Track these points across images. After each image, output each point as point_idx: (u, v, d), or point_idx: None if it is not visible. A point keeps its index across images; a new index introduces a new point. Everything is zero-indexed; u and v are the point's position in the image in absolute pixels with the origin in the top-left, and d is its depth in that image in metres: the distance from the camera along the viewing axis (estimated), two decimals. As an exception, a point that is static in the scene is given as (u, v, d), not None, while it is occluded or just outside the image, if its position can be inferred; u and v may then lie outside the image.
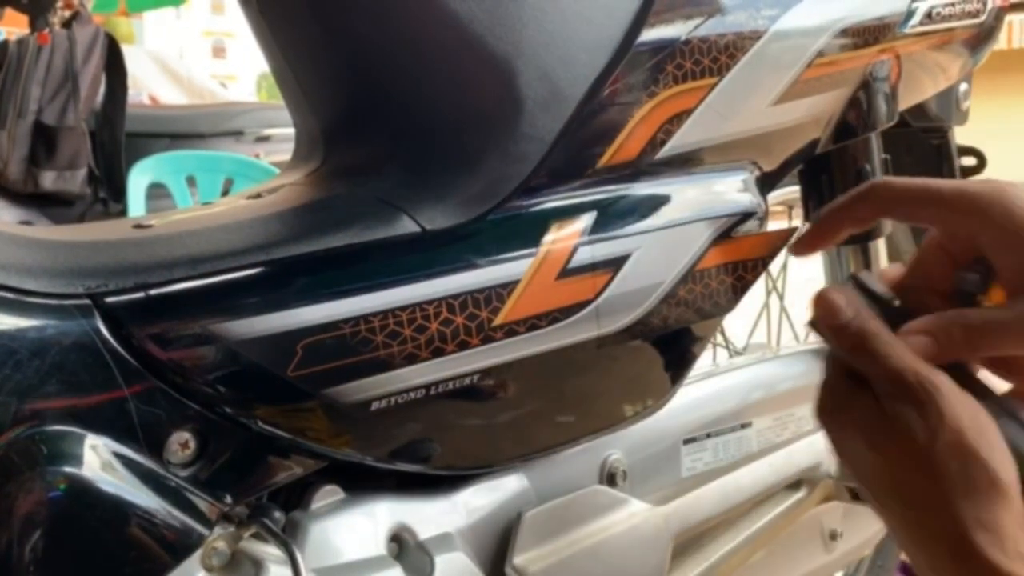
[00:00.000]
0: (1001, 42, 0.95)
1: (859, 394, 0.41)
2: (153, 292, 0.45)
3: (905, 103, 0.79)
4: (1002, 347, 0.43)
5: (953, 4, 0.75)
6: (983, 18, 0.80)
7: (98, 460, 0.42)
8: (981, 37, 0.82)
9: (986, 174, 1.07)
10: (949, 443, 0.38)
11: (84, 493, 0.41)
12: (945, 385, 0.39)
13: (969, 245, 0.45)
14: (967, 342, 0.43)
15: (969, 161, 1.04)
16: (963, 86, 0.96)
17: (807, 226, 0.57)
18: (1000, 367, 0.46)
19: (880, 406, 0.40)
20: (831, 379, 0.43)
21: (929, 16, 0.73)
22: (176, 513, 0.44)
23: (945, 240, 0.46)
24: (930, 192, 0.45)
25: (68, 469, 0.41)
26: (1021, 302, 0.42)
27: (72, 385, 0.42)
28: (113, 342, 0.43)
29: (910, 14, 0.72)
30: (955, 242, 0.46)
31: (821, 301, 0.43)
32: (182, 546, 0.44)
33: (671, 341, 0.63)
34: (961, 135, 1.04)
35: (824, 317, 0.43)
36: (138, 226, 0.51)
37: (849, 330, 0.42)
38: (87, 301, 0.43)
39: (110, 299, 0.43)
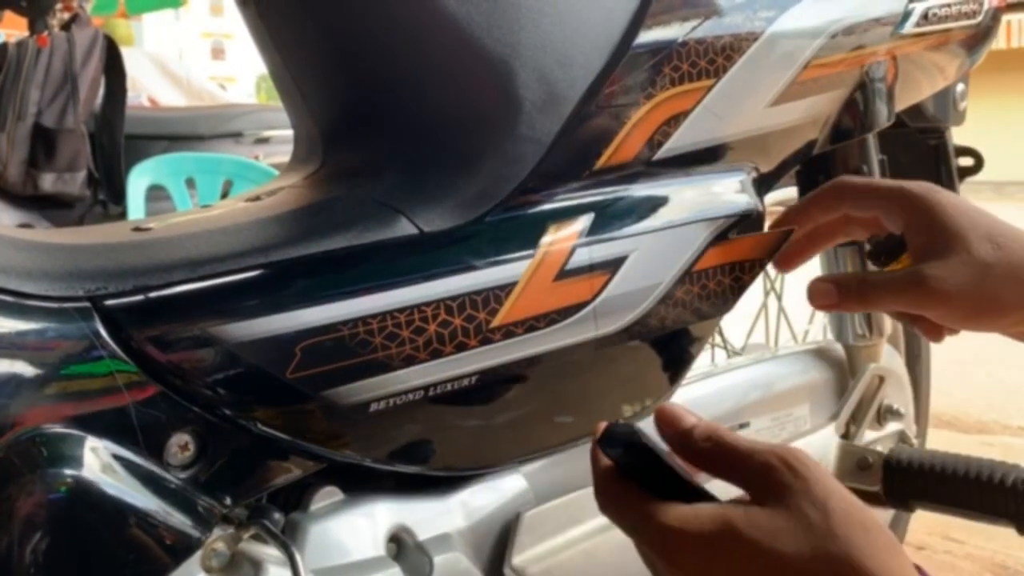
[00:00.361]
0: (999, 41, 0.95)
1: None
2: (152, 295, 0.45)
3: (902, 104, 0.79)
4: (885, 303, 0.56)
5: (950, 5, 0.76)
6: (980, 19, 0.80)
7: (98, 462, 0.42)
8: (978, 37, 0.83)
9: (984, 174, 1.07)
10: None
11: (84, 495, 0.41)
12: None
13: (878, 225, 0.60)
14: (860, 294, 0.56)
15: (966, 161, 1.04)
16: (960, 86, 0.97)
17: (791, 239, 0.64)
18: (916, 324, 0.59)
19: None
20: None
21: (926, 17, 0.74)
22: (176, 515, 0.44)
23: (869, 219, 0.60)
24: (876, 186, 0.59)
25: (68, 471, 0.41)
26: (912, 270, 0.54)
27: (72, 388, 0.42)
28: (113, 345, 0.43)
29: (907, 15, 0.72)
30: (874, 224, 0.60)
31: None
32: (182, 547, 0.44)
33: (669, 341, 0.63)
34: (959, 135, 1.04)
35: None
36: (137, 229, 0.51)
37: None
38: (87, 304, 0.43)
39: (110, 302, 0.44)
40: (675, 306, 0.61)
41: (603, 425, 0.44)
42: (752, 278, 0.65)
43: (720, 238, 0.63)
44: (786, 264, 0.65)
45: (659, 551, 0.40)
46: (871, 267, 0.64)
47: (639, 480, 0.42)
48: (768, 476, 0.39)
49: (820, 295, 0.59)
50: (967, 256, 0.52)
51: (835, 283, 0.58)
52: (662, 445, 0.43)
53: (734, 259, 0.64)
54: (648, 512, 0.40)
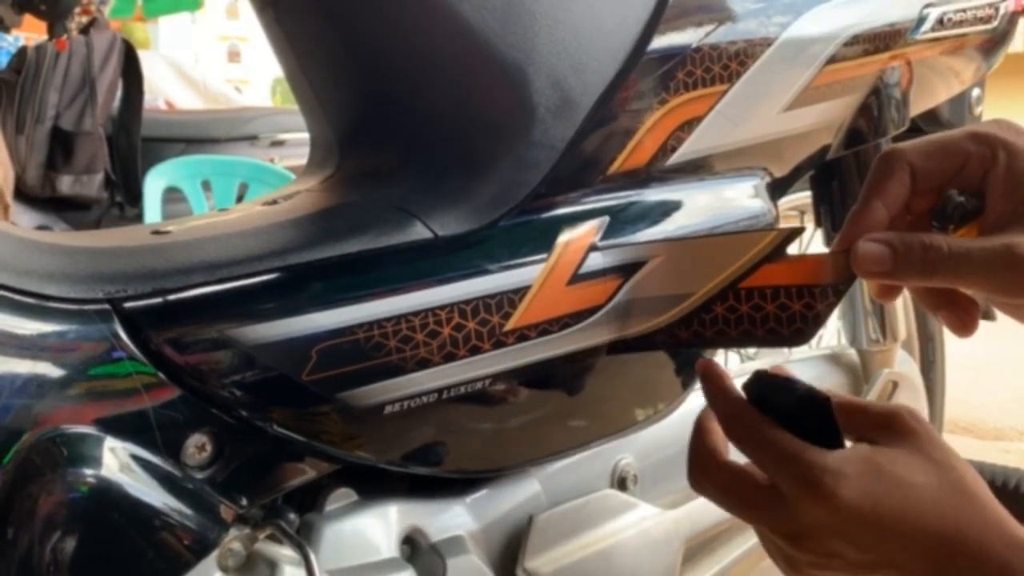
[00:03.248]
0: (1016, 45, 0.94)
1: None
2: (171, 297, 0.45)
3: (917, 108, 0.79)
4: (957, 278, 0.44)
5: (965, 10, 0.75)
6: (996, 23, 0.80)
7: (117, 462, 0.43)
8: (994, 42, 0.82)
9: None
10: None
11: (103, 495, 0.42)
12: None
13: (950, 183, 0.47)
14: (925, 263, 0.43)
15: (982, 166, 1.03)
16: (976, 91, 0.96)
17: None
18: (930, 298, 0.48)
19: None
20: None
21: (941, 22, 0.73)
22: (193, 515, 0.45)
23: (940, 177, 0.47)
24: (941, 141, 0.47)
25: (88, 471, 0.42)
26: (992, 240, 0.43)
27: (92, 389, 0.43)
28: (132, 346, 0.44)
29: (921, 20, 0.72)
30: (956, 178, 0.47)
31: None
32: (199, 547, 0.45)
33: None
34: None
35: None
36: (156, 232, 0.52)
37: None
38: (107, 306, 0.44)
39: (129, 304, 0.44)
40: (716, 323, 0.55)
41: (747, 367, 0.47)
42: (827, 306, 0.52)
43: (775, 254, 0.53)
44: (886, 294, 0.52)
45: (810, 488, 0.42)
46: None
47: (782, 421, 0.46)
48: (894, 421, 0.45)
49: (870, 260, 0.44)
50: None
51: (891, 245, 0.44)
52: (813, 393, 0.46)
53: (797, 281, 0.53)
54: (795, 450, 0.43)
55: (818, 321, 0.53)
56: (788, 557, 0.46)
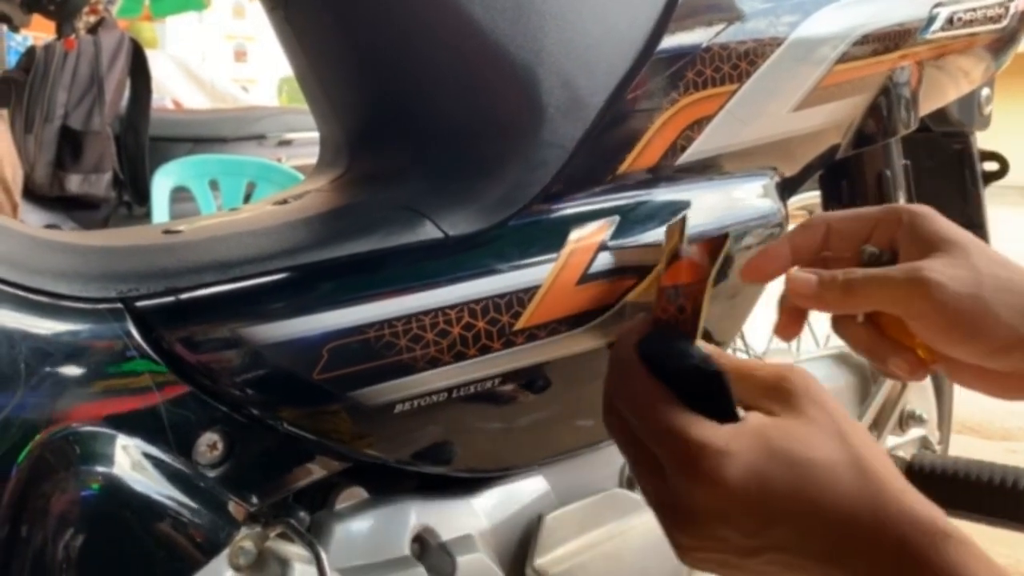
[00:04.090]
0: (1025, 45, 0.94)
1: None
2: (183, 296, 0.46)
3: (926, 108, 0.79)
4: (871, 300, 0.50)
5: (975, 10, 0.75)
6: (1006, 23, 0.80)
7: (129, 460, 0.43)
8: (1004, 41, 0.82)
9: (1009, 179, 1.06)
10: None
11: (116, 492, 0.42)
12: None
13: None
14: (844, 286, 0.50)
15: (991, 166, 1.03)
16: (985, 90, 0.96)
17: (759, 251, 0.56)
18: (877, 349, 0.53)
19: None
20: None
21: (950, 22, 0.73)
22: (205, 513, 0.45)
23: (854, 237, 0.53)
24: (858, 212, 0.54)
25: (100, 469, 0.42)
26: (909, 266, 0.49)
27: (104, 387, 0.43)
28: (144, 345, 0.44)
29: (931, 20, 0.72)
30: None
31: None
32: (210, 545, 0.45)
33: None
34: (983, 139, 1.03)
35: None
36: (168, 232, 0.52)
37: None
38: (119, 305, 0.44)
39: (141, 303, 0.44)
40: (718, 319, 0.58)
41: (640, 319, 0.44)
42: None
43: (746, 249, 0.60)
44: (751, 274, 0.56)
45: (690, 468, 0.40)
46: None
47: (672, 386, 0.42)
48: (783, 385, 0.42)
49: (798, 287, 0.51)
50: (965, 261, 0.48)
51: (817, 274, 0.51)
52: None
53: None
54: (679, 424, 0.40)
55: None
56: (671, 536, 0.43)
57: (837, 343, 1.09)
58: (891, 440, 0.88)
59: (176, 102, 3.49)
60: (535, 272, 0.54)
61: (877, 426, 0.87)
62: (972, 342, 0.48)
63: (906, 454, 0.85)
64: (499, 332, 0.52)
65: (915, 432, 0.90)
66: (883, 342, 0.52)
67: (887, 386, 0.87)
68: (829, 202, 0.86)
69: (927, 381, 0.95)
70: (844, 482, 0.39)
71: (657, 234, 0.59)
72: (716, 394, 0.41)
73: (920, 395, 0.92)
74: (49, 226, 2.46)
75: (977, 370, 0.49)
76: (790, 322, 0.54)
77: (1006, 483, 0.76)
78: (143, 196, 2.55)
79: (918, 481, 0.81)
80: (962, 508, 0.80)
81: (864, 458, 0.40)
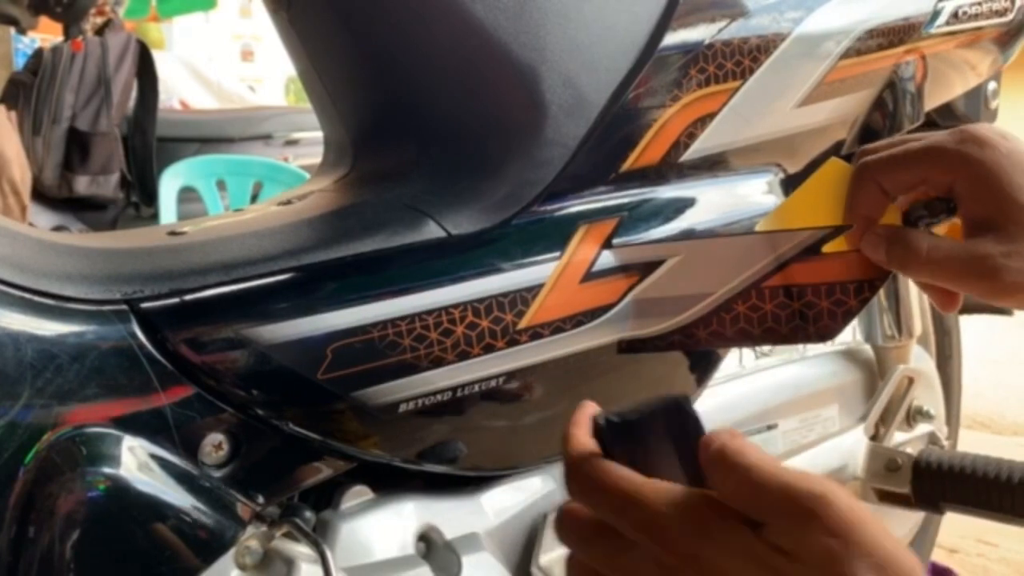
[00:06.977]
0: (1032, 38, 0.93)
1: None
2: (188, 298, 0.46)
3: (932, 103, 0.78)
4: (937, 276, 0.47)
5: (980, 3, 0.75)
6: (1012, 16, 0.79)
7: (135, 461, 0.43)
8: (1011, 34, 0.82)
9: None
10: None
11: (122, 493, 0.43)
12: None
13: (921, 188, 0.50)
14: (903, 262, 0.48)
15: (999, 160, 1.02)
16: (992, 84, 0.95)
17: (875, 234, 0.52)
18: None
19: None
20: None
21: (956, 16, 0.73)
22: (210, 513, 0.45)
23: (909, 184, 0.50)
24: (905, 155, 0.50)
25: (107, 470, 0.42)
26: (970, 248, 0.45)
27: (110, 388, 0.43)
28: (149, 347, 0.44)
29: (936, 14, 0.71)
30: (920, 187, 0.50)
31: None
32: (216, 545, 0.45)
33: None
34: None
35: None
36: (172, 233, 0.52)
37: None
38: (124, 307, 0.44)
39: (146, 305, 0.45)
40: (737, 321, 0.56)
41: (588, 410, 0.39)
42: (860, 301, 0.54)
43: (808, 252, 0.55)
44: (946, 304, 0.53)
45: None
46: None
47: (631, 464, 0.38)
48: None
49: (870, 246, 0.50)
50: None
51: (888, 240, 0.49)
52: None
53: (827, 279, 0.54)
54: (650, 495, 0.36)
55: (849, 316, 0.53)
56: None
57: (844, 339, 1.09)
58: (899, 436, 0.88)
59: (183, 102, 3.50)
60: (539, 271, 0.54)
61: (884, 422, 0.87)
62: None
63: (914, 450, 0.84)
64: (503, 331, 0.52)
65: (923, 428, 0.90)
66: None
67: (894, 382, 0.87)
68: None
69: (935, 377, 0.95)
70: None
71: (661, 231, 0.58)
72: (681, 427, 0.38)
73: (928, 391, 0.92)
74: (58, 228, 2.48)
75: None
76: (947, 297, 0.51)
77: (1013, 479, 0.76)
78: (151, 197, 2.56)
79: (926, 478, 0.81)
80: (970, 504, 0.79)
81: None
